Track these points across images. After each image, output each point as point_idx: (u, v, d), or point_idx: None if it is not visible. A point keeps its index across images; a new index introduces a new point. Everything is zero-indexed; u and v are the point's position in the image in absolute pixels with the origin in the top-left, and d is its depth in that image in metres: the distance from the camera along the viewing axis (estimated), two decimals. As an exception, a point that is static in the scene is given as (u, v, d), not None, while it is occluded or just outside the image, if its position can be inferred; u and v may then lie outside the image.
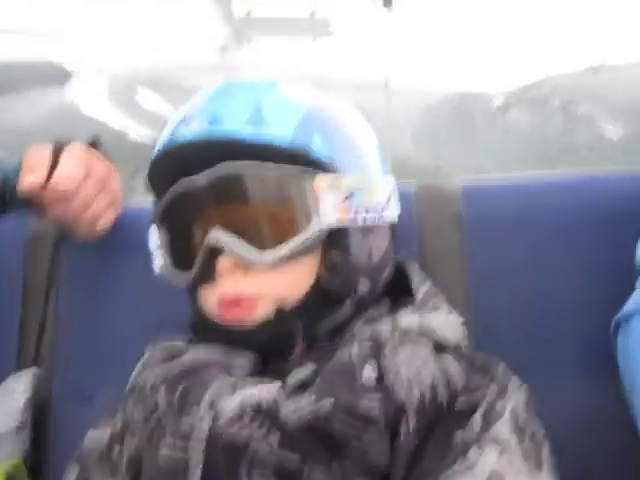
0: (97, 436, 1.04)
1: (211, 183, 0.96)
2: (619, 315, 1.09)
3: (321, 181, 0.95)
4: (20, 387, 1.24)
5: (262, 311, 0.95)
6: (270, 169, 0.95)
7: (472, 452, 0.83)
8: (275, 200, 0.97)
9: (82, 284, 1.37)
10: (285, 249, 0.94)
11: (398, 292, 1.08)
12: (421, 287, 1.08)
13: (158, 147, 1.00)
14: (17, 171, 1.26)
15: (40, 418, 1.28)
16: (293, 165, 0.95)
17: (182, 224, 1.02)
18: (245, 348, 0.97)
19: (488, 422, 0.87)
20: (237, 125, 0.94)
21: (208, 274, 0.97)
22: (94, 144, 1.30)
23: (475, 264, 1.26)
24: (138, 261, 1.33)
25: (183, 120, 0.99)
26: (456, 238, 1.27)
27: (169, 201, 1.01)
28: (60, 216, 1.26)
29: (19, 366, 1.32)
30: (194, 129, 0.96)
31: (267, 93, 0.99)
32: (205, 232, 0.97)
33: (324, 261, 0.97)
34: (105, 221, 1.28)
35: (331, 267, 0.97)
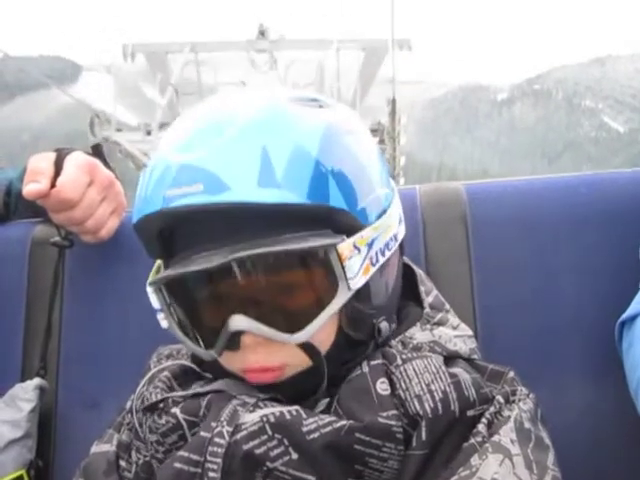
0: (102, 450, 1.03)
1: (227, 265, 0.87)
2: (624, 317, 1.09)
3: (345, 248, 0.88)
4: (25, 397, 1.23)
5: (289, 374, 0.93)
6: (289, 249, 0.86)
7: (474, 459, 0.83)
8: (298, 276, 0.90)
9: (86, 290, 1.37)
10: (315, 325, 0.89)
11: (403, 296, 1.07)
12: (429, 296, 1.08)
13: (145, 207, 0.89)
14: (21, 178, 1.26)
15: (45, 427, 1.28)
16: (311, 221, 0.88)
17: (191, 303, 0.95)
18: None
19: (492, 430, 0.87)
20: (246, 190, 0.84)
21: (231, 347, 0.91)
22: (97, 151, 1.30)
23: (480, 265, 1.26)
24: (141, 267, 1.33)
25: (177, 177, 0.86)
26: (461, 240, 1.27)
27: (177, 276, 0.91)
28: (64, 223, 1.27)
29: (24, 375, 1.32)
30: (194, 196, 0.85)
31: (271, 138, 0.87)
32: (223, 313, 0.90)
33: (344, 313, 0.93)
34: (109, 228, 1.29)
35: (352, 320, 0.93)
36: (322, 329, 0.90)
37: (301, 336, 0.89)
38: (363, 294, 0.93)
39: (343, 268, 0.88)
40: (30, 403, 1.23)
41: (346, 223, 0.90)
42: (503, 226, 1.27)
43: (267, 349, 0.90)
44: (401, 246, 1.05)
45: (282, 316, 0.90)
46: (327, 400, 0.93)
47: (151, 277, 0.97)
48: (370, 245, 0.92)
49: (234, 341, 0.90)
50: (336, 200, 0.88)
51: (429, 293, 1.08)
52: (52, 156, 1.23)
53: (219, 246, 0.87)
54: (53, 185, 1.19)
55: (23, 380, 1.28)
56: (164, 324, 0.97)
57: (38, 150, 1.25)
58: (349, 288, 0.89)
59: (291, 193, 0.85)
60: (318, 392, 0.92)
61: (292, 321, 0.90)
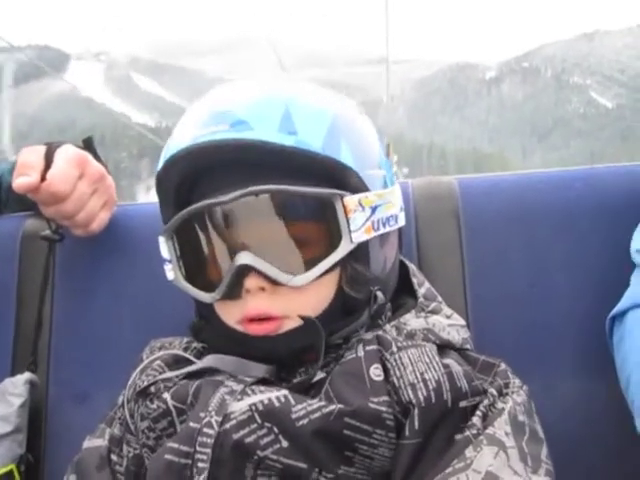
0: (95, 444, 1.03)
1: (239, 202, 0.93)
2: (614, 311, 1.09)
3: (350, 202, 0.94)
4: (15, 391, 1.23)
5: (287, 327, 0.94)
6: (300, 190, 0.93)
7: (468, 452, 0.83)
8: (305, 221, 0.95)
9: (77, 284, 1.36)
10: (316, 271, 0.93)
11: (397, 289, 1.08)
12: (421, 288, 1.08)
13: (175, 147, 0.95)
14: (12, 171, 1.26)
15: (35, 421, 1.27)
16: (322, 175, 0.94)
17: (202, 241, 0.98)
18: (264, 361, 0.96)
19: (486, 422, 0.87)
20: (267, 132, 0.91)
21: (233, 293, 0.95)
22: (88, 145, 1.29)
23: (472, 259, 1.26)
24: (132, 261, 1.33)
25: (206, 122, 0.94)
26: (453, 233, 1.27)
27: (190, 216, 0.97)
28: (54, 216, 1.26)
29: (14, 369, 1.32)
30: (220, 133, 0.92)
31: (292, 98, 0.96)
32: (230, 252, 0.95)
33: (344, 272, 0.96)
34: (99, 221, 1.28)
35: (352, 279, 0.96)
36: (322, 282, 0.94)
37: (302, 279, 0.93)
38: (363, 258, 0.97)
39: (347, 220, 0.94)
40: (20, 398, 1.23)
41: (353, 184, 0.95)
42: (495, 220, 1.28)
43: (268, 297, 0.93)
44: (400, 240, 1.08)
45: (286, 259, 0.94)
46: (321, 375, 0.93)
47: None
48: (373, 210, 0.97)
49: (237, 286, 0.93)
50: (346, 159, 0.95)
51: (421, 285, 1.10)
52: (42, 149, 1.22)
53: (234, 191, 0.93)
54: (43, 178, 1.18)
55: (13, 374, 1.28)
56: (170, 275, 1.01)
57: (34, 137, 1.24)
58: (351, 240, 0.94)
59: (307, 141, 0.92)
60: (319, 349, 0.94)
61: (295, 265, 0.94)
